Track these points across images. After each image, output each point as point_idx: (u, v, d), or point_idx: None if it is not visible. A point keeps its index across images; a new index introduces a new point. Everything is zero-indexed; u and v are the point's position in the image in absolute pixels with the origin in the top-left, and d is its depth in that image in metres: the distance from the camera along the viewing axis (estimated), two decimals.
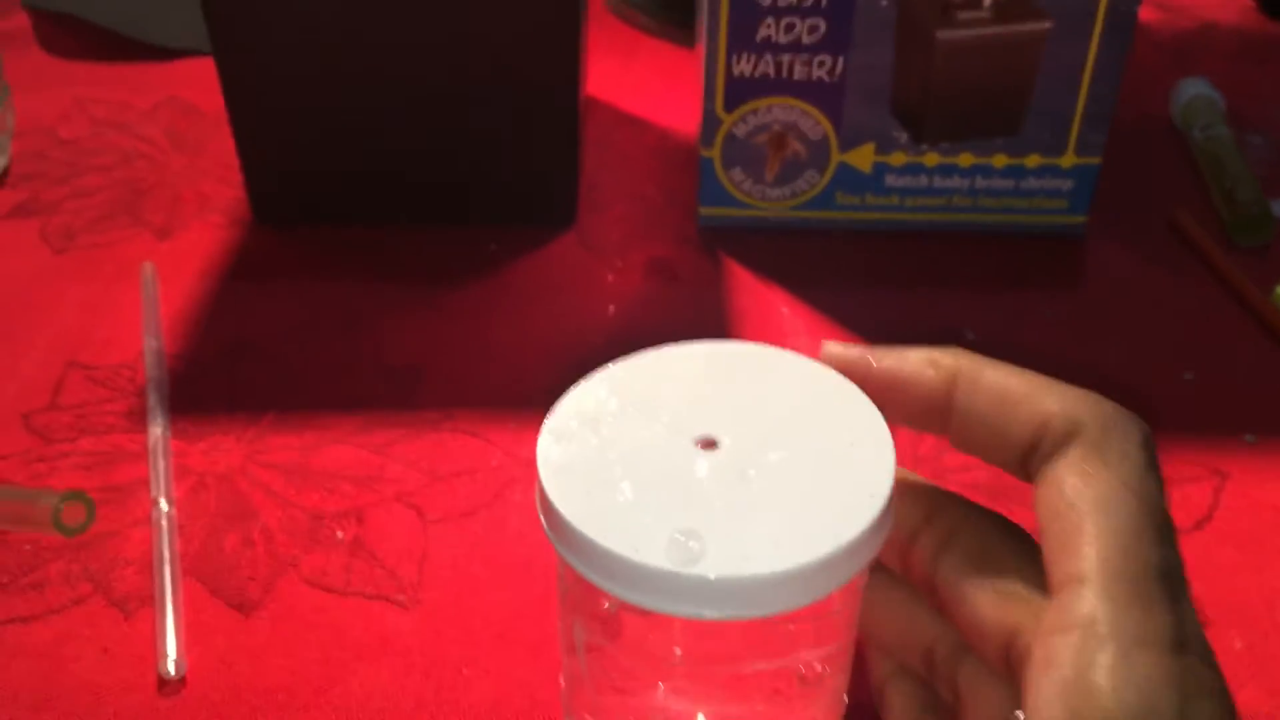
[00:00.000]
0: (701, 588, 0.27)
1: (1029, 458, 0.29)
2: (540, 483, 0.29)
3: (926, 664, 0.33)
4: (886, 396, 0.31)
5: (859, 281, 0.59)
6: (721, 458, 0.29)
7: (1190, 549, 0.44)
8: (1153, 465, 0.29)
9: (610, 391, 0.32)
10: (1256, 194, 0.61)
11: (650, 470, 0.29)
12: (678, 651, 0.31)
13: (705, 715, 0.32)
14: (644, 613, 0.29)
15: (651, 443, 0.30)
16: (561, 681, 0.34)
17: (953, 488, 0.46)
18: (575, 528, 0.28)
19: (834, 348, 0.32)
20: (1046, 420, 0.29)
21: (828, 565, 0.27)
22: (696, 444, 0.30)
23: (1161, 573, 0.27)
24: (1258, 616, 0.42)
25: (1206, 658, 0.26)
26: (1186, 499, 0.46)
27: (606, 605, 0.30)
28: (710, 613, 0.27)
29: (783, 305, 0.57)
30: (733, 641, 0.31)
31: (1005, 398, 0.30)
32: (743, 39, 0.56)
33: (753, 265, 0.59)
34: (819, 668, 0.32)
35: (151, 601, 0.42)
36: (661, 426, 0.30)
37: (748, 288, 0.58)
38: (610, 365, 0.32)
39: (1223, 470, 0.48)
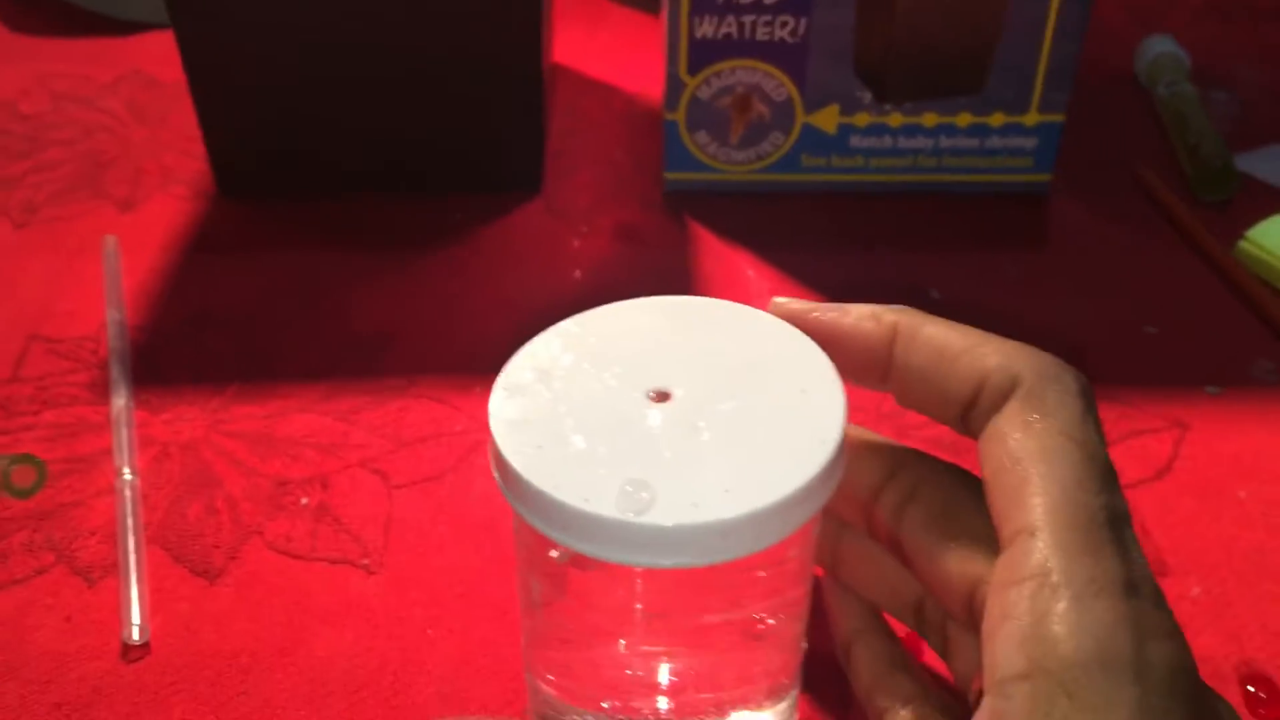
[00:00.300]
0: (652, 536, 0.27)
1: (969, 412, 0.30)
2: (492, 436, 0.29)
3: (917, 616, 0.34)
4: (829, 350, 0.31)
5: (824, 243, 0.59)
6: (673, 409, 0.30)
7: (1150, 499, 0.45)
8: (1091, 413, 0.29)
9: (563, 346, 0.32)
10: (1220, 149, 0.62)
11: (602, 422, 0.29)
12: (639, 607, 0.31)
13: (666, 667, 0.32)
14: (599, 564, 0.30)
15: (603, 395, 0.30)
16: (523, 639, 0.34)
17: (915, 444, 0.47)
18: (526, 480, 0.28)
19: (781, 301, 0.32)
20: (985, 374, 0.29)
21: (778, 512, 0.27)
22: (649, 396, 0.30)
23: (1108, 519, 0.27)
24: (1215, 564, 0.42)
25: (1158, 600, 0.26)
26: (1146, 450, 0.47)
27: (555, 555, 0.30)
28: (662, 561, 0.27)
29: (748, 267, 0.57)
30: (690, 591, 0.31)
31: (943, 353, 0.30)
32: (704, 1, 0.56)
33: (719, 228, 0.59)
34: (776, 616, 0.32)
35: (115, 570, 0.42)
36: (614, 379, 0.30)
37: (713, 250, 0.58)
38: (564, 321, 0.32)
39: (1184, 421, 0.48)
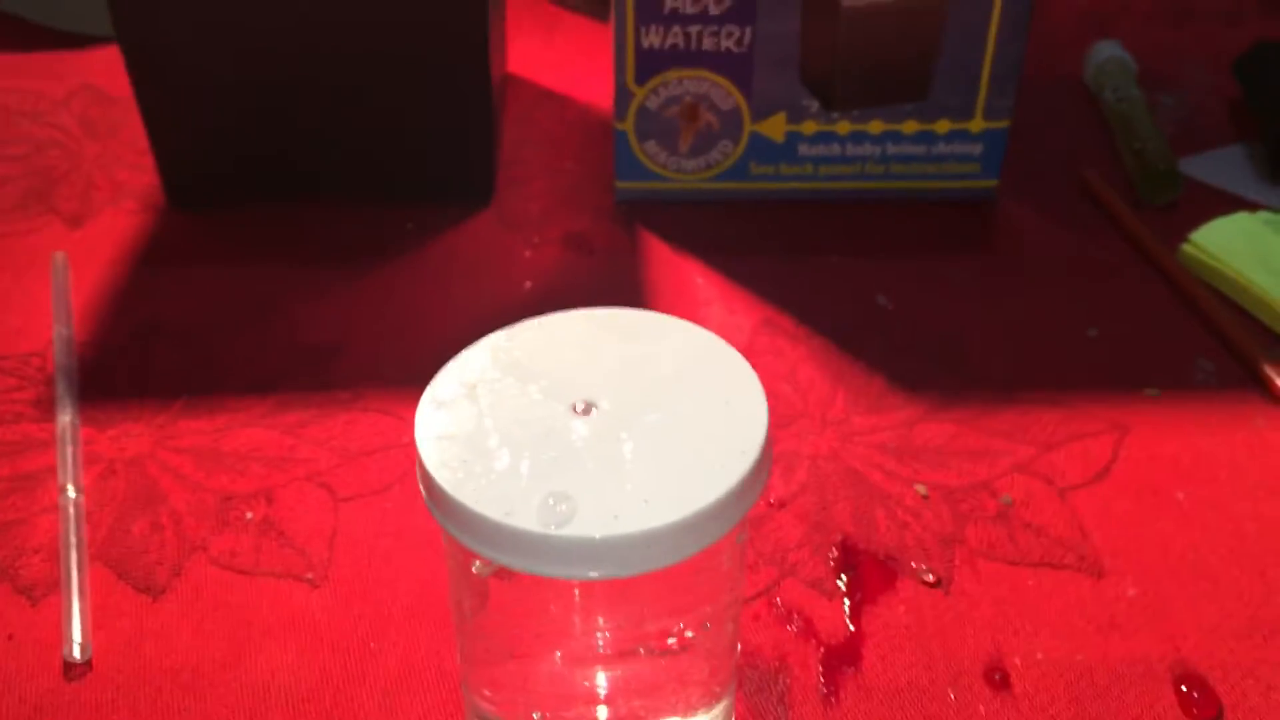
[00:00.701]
0: (574, 548, 0.27)
1: None
2: (418, 450, 0.29)
3: None
4: None
5: (774, 250, 0.59)
6: (598, 421, 0.30)
7: (1089, 500, 0.45)
8: None
9: (492, 359, 0.32)
10: (1165, 152, 0.62)
11: (526, 435, 0.29)
12: (575, 620, 0.32)
13: (595, 678, 0.33)
14: (522, 577, 0.30)
15: (528, 409, 0.30)
16: (458, 654, 0.35)
17: (861, 450, 0.47)
18: (450, 494, 0.28)
19: None
20: None
21: (698, 522, 0.28)
22: (574, 408, 0.30)
23: None
24: (1150, 564, 0.43)
25: None
26: (1087, 452, 0.47)
27: (476, 567, 0.30)
28: (584, 572, 0.28)
29: (698, 275, 0.57)
30: (618, 601, 0.31)
31: None
32: (650, 11, 0.56)
33: (669, 237, 0.60)
34: (705, 625, 0.32)
35: (58, 588, 0.42)
36: (539, 392, 0.31)
37: (663, 259, 0.58)
38: (494, 334, 0.33)
39: (1123, 424, 0.48)
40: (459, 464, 0.29)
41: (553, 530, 0.27)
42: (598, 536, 0.27)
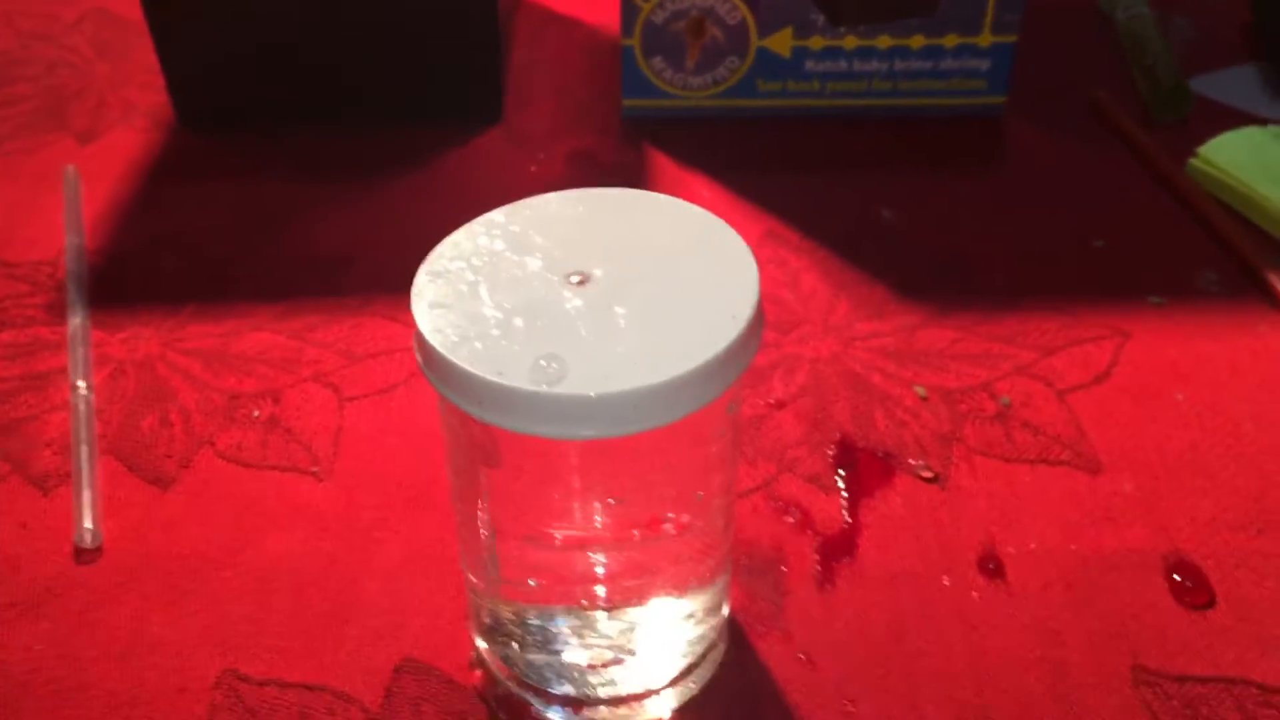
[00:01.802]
0: (565, 407, 0.28)
1: None
2: (414, 317, 0.30)
3: None
4: None
5: (779, 166, 0.59)
6: (592, 291, 0.30)
7: (1088, 401, 0.45)
8: None
9: (488, 234, 0.32)
10: (1175, 70, 0.62)
11: (521, 304, 0.30)
12: (575, 501, 0.32)
13: (589, 554, 0.33)
14: (527, 450, 0.30)
15: (524, 279, 0.31)
16: (458, 532, 0.35)
17: (861, 354, 0.48)
18: (444, 356, 0.28)
19: None
20: None
21: (688, 383, 0.28)
22: (569, 279, 0.31)
23: None
24: (1148, 461, 0.43)
25: None
26: (1088, 356, 0.47)
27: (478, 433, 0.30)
28: (575, 432, 0.28)
29: (703, 190, 0.57)
30: (616, 475, 0.32)
31: None
32: None
33: (675, 153, 0.60)
34: (699, 506, 0.33)
35: (69, 479, 0.43)
36: (535, 264, 0.31)
37: (669, 174, 0.58)
38: (491, 212, 0.33)
39: (1125, 330, 0.49)
40: (453, 329, 0.29)
41: (544, 389, 0.28)
42: (589, 395, 0.27)
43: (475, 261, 0.31)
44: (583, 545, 0.33)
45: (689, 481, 0.33)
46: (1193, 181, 0.56)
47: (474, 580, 0.35)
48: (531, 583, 0.34)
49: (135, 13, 0.70)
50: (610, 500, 0.32)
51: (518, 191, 0.57)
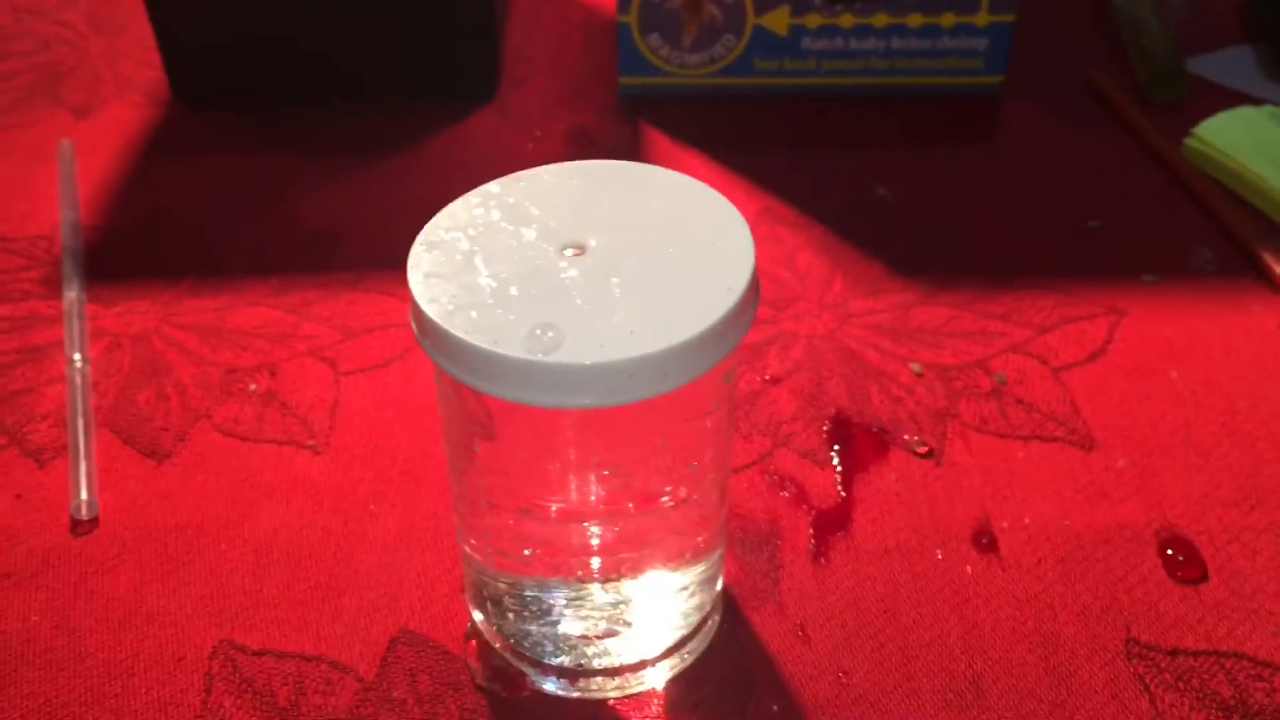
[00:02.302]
0: (560, 376, 0.28)
1: None
2: (409, 287, 0.30)
3: None
4: None
5: (776, 145, 0.59)
6: (587, 262, 0.30)
7: (1082, 378, 0.46)
8: None
9: (483, 205, 0.32)
10: (1172, 50, 0.62)
11: (516, 273, 0.30)
12: (570, 471, 0.32)
13: (585, 526, 0.33)
14: (524, 421, 0.31)
15: (519, 249, 0.31)
16: (454, 506, 0.35)
17: (857, 331, 0.48)
18: (439, 325, 0.28)
19: None
20: None
21: (682, 353, 0.28)
22: (565, 250, 0.31)
23: None
24: (1141, 438, 0.43)
25: None
26: (1082, 334, 0.47)
27: (474, 407, 0.31)
28: (570, 400, 0.28)
29: (699, 167, 0.57)
30: (612, 446, 0.32)
31: None
32: None
33: (672, 131, 0.60)
34: (694, 480, 0.33)
35: (65, 452, 0.43)
36: (532, 234, 0.31)
37: (665, 152, 0.58)
38: (487, 184, 0.33)
39: (1119, 308, 0.49)
40: (448, 298, 0.29)
41: (539, 358, 0.28)
42: (584, 363, 0.28)
43: (471, 232, 0.31)
44: (578, 518, 0.33)
45: (684, 454, 0.33)
46: (1188, 161, 0.56)
47: (470, 552, 0.35)
48: (527, 553, 0.34)
49: None
50: (605, 472, 0.32)
51: (514, 168, 0.57)
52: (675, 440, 0.32)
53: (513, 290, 0.29)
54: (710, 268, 0.30)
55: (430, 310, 0.29)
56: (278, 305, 0.49)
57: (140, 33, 0.67)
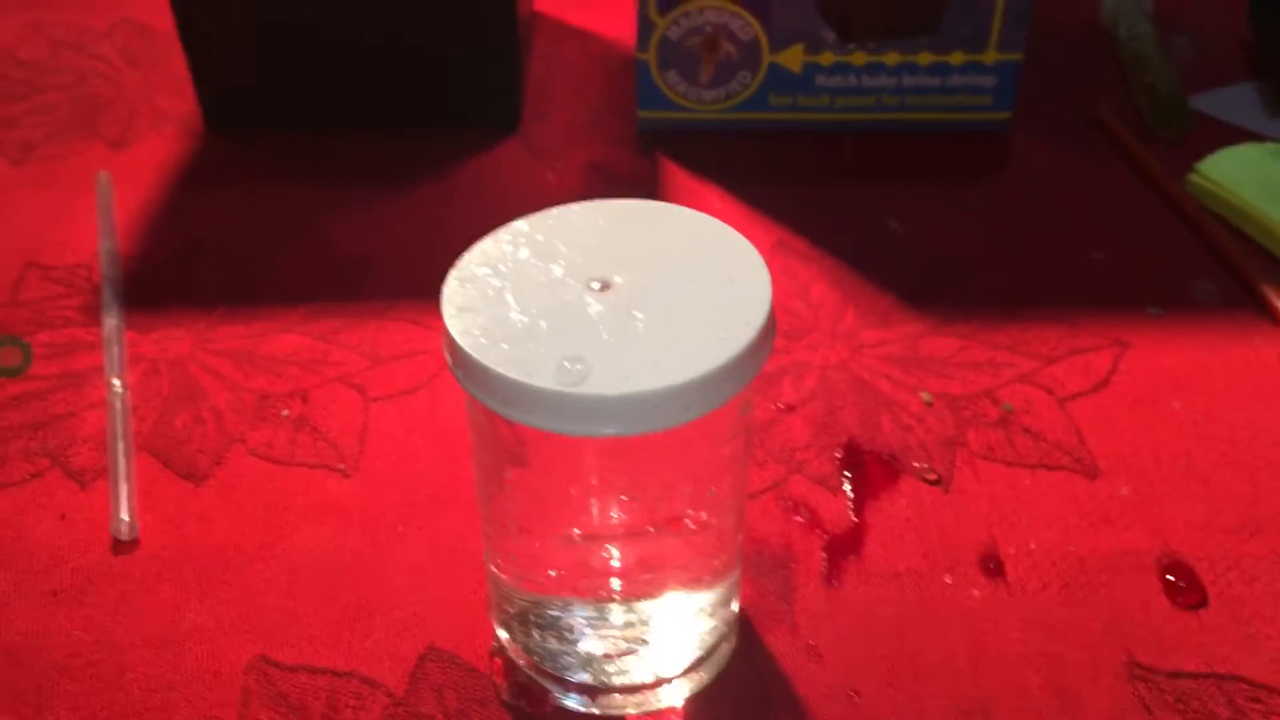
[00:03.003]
0: (588, 407, 0.29)
1: None
2: (444, 321, 0.31)
3: None
4: None
5: (790, 179, 0.61)
6: (613, 297, 0.32)
7: (1087, 408, 0.47)
8: None
9: (513, 242, 0.34)
10: (1175, 86, 0.63)
11: (545, 308, 0.31)
12: (593, 498, 0.34)
13: (609, 548, 0.35)
14: (550, 450, 0.32)
15: (548, 285, 0.32)
16: (482, 529, 0.37)
17: (868, 361, 0.49)
18: (473, 358, 0.30)
19: None
20: None
21: (704, 385, 0.30)
22: (591, 286, 0.32)
23: None
24: (1144, 467, 0.44)
25: None
26: (1088, 365, 0.49)
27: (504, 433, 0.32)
28: (597, 430, 0.30)
29: (715, 200, 0.59)
30: (634, 474, 0.33)
31: None
32: None
33: (688, 165, 0.61)
34: (712, 505, 0.34)
35: (106, 474, 0.44)
36: (559, 270, 0.33)
37: (683, 185, 0.60)
38: (516, 220, 0.35)
39: (1124, 340, 0.50)
40: (481, 331, 0.31)
41: (569, 389, 0.29)
42: (611, 394, 0.29)
43: (501, 268, 0.33)
44: (601, 541, 0.35)
45: (704, 480, 0.34)
46: (1191, 196, 0.58)
47: (496, 572, 0.37)
48: (552, 573, 0.35)
49: (163, 23, 0.72)
50: (628, 498, 0.34)
51: (535, 200, 0.59)
52: (695, 467, 0.34)
53: (542, 324, 0.31)
54: (730, 303, 0.32)
55: (464, 343, 0.30)
56: (308, 333, 0.51)
57: (173, 66, 0.69)
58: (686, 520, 0.35)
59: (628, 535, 0.35)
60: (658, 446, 0.32)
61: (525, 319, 0.31)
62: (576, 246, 0.34)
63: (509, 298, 0.32)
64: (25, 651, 0.38)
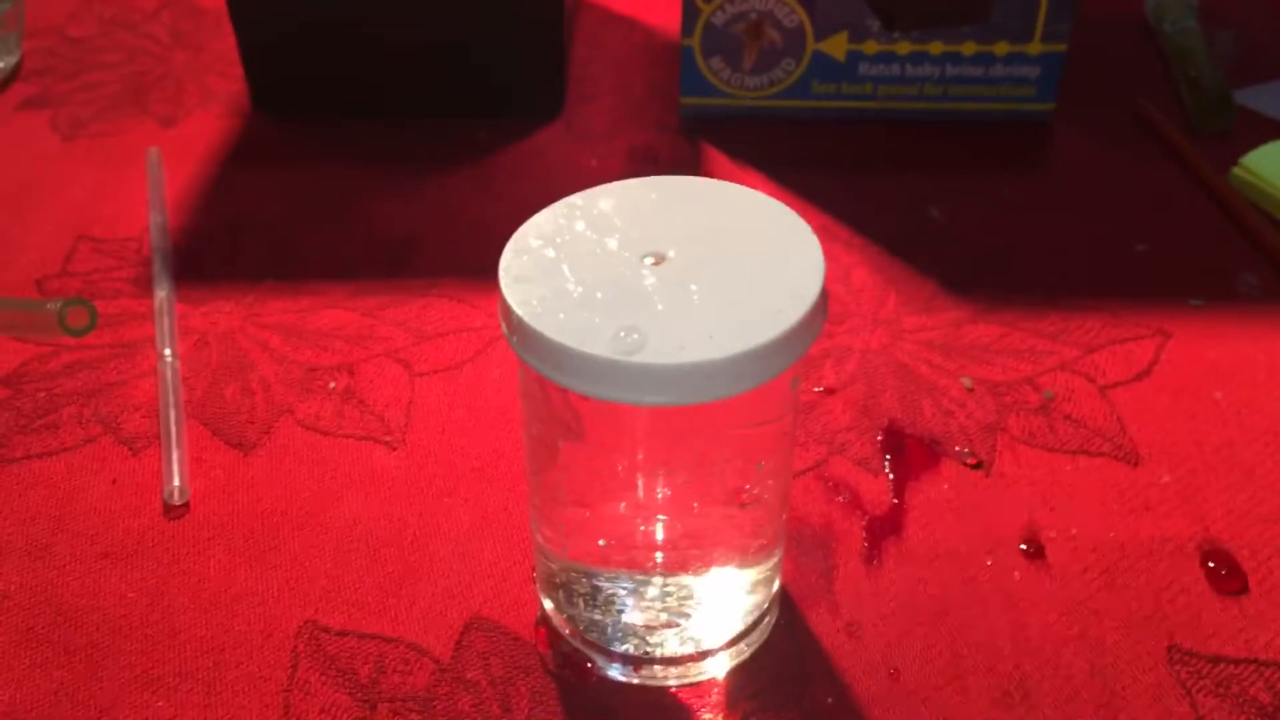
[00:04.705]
0: (642, 376, 0.30)
1: None
2: (500, 290, 0.32)
3: None
4: None
5: (832, 166, 0.61)
6: (667, 270, 0.32)
7: (1129, 397, 0.47)
8: None
9: (568, 216, 0.34)
10: (1219, 82, 0.63)
11: (601, 280, 0.32)
12: (645, 453, 0.34)
13: (659, 521, 0.35)
14: (600, 410, 0.33)
15: (603, 257, 0.33)
16: (530, 499, 0.37)
17: (909, 346, 0.50)
18: (530, 326, 0.31)
19: None
20: None
21: (757, 356, 0.30)
22: (645, 259, 0.33)
23: None
24: (1186, 455, 0.44)
25: None
26: (1130, 354, 0.49)
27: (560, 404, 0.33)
28: (651, 399, 0.30)
29: (758, 187, 0.59)
30: (684, 448, 0.34)
31: None
32: None
33: (730, 151, 0.62)
34: (761, 481, 0.35)
35: (157, 441, 0.45)
36: (614, 244, 0.33)
37: (725, 170, 0.60)
38: (569, 196, 0.35)
39: (1166, 330, 0.50)
40: (538, 300, 0.31)
41: (624, 358, 0.30)
42: (665, 364, 0.30)
43: (558, 240, 0.33)
44: (650, 514, 0.35)
45: (753, 456, 0.35)
46: (1235, 189, 0.58)
47: (543, 543, 0.37)
48: (601, 543, 0.36)
49: (211, 2, 0.73)
50: (678, 471, 0.34)
51: (577, 184, 0.59)
52: (745, 443, 0.34)
53: (598, 295, 0.31)
54: (782, 277, 0.32)
55: (521, 311, 0.31)
56: (354, 309, 0.52)
57: (222, 47, 0.70)
58: (734, 497, 0.35)
59: (677, 509, 0.35)
60: (709, 419, 0.33)
61: (581, 289, 0.32)
62: (631, 221, 0.34)
63: (565, 269, 0.32)
64: (79, 611, 0.39)
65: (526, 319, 0.31)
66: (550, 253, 0.33)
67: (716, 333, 0.30)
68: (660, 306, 0.31)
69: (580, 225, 0.34)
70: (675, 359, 0.30)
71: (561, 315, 0.31)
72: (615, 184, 0.36)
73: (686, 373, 0.30)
